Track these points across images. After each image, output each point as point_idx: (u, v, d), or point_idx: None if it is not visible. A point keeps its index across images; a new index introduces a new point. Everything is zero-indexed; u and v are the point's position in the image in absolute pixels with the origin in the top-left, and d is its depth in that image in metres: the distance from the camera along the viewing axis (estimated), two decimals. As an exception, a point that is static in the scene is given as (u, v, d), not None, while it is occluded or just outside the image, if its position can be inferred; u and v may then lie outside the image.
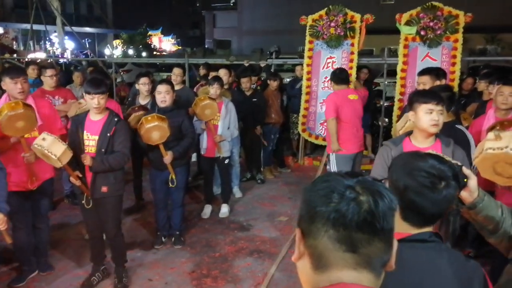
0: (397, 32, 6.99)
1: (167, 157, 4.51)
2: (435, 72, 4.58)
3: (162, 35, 40.33)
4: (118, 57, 24.37)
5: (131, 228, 5.32)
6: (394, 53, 10.30)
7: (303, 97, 7.72)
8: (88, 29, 34.05)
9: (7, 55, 14.10)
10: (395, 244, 0.95)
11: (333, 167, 5.24)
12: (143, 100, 5.62)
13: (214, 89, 5.40)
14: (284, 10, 30.53)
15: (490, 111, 4.13)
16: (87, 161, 3.67)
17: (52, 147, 3.41)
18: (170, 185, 4.70)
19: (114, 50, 33.03)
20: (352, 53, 7.33)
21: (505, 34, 24.13)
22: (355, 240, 0.89)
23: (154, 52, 34.90)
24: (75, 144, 3.73)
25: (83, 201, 3.89)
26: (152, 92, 5.43)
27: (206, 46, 37.17)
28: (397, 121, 4.46)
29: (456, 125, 3.53)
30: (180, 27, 46.67)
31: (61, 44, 17.13)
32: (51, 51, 20.32)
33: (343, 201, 0.89)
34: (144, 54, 32.05)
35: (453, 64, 6.75)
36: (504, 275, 1.73)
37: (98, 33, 36.65)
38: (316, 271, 0.93)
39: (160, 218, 4.90)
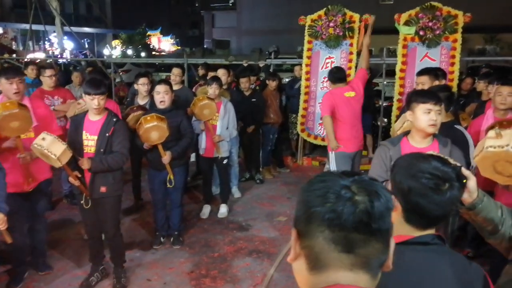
0: (396, 32, 6.98)
1: (166, 157, 4.50)
2: (434, 72, 4.58)
3: (161, 35, 40.34)
4: (117, 57, 24.41)
5: (130, 228, 5.32)
6: (393, 53, 10.32)
7: (302, 97, 7.72)
8: (87, 29, 34.06)
9: (6, 55, 14.10)
10: (393, 243, 0.94)
11: (332, 166, 5.22)
12: (142, 100, 5.62)
13: (212, 89, 5.39)
14: (283, 10, 30.59)
15: (489, 111, 4.13)
16: (85, 165, 3.67)
17: (51, 147, 3.40)
18: (169, 185, 4.70)
19: (113, 50, 33.05)
20: (351, 53, 7.33)
21: (504, 34, 24.17)
22: (351, 241, 0.87)
23: (153, 52, 34.95)
24: (74, 144, 3.73)
25: (82, 201, 3.88)
26: (151, 92, 5.43)
27: (205, 46, 37.20)
28: (396, 121, 4.46)
29: (455, 125, 3.53)
30: (179, 27, 46.70)
31: (60, 44, 17.12)
32: (50, 51, 20.33)
33: (338, 201, 0.88)
34: (143, 54, 32.07)
35: (452, 64, 6.75)
36: (503, 276, 1.73)
37: (97, 33, 36.67)
38: (312, 272, 0.92)
39: (159, 218, 4.90)
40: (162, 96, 4.59)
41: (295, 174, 7.65)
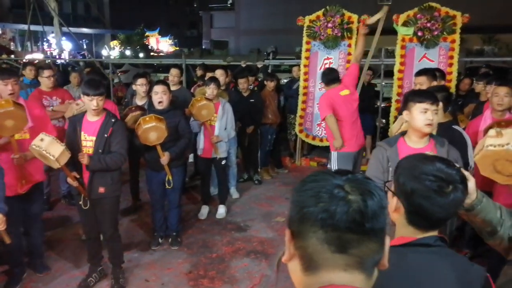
0: (394, 32, 6.98)
1: (164, 158, 4.50)
2: (432, 73, 4.58)
3: (160, 36, 40.29)
4: (116, 57, 24.34)
5: (128, 229, 5.31)
6: (391, 54, 10.31)
7: (300, 98, 7.73)
8: (85, 30, 34.06)
9: (4, 56, 14.07)
10: (388, 242, 0.93)
11: (334, 166, 5.21)
12: (140, 101, 5.61)
13: (211, 90, 5.39)
14: (281, 11, 30.55)
15: (487, 111, 4.13)
16: (84, 159, 3.66)
17: (50, 148, 3.39)
18: (167, 186, 4.70)
19: (112, 50, 33.00)
20: (349, 54, 7.33)
21: (502, 35, 24.17)
22: (345, 241, 0.87)
23: (152, 53, 34.91)
24: (73, 145, 3.72)
25: (80, 202, 3.88)
26: (149, 92, 5.43)
27: (203, 46, 37.23)
28: (394, 121, 4.46)
29: (453, 126, 3.53)
30: (177, 28, 46.69)
31: (59, 45, 17.06)
32: (48, 52, 20.29)
33: (331, 200, 0.87)
34: (141, 54, 32.03)
35: (450, 64, 6.75)
36: (501, 277, 1.73)
37: (95, 33, 36.66)
38: (306, 272, 0.91)
39: (157, 219, 4.90)
40: (160, 97, 4.59)
41: (293, 174, 7.65)
